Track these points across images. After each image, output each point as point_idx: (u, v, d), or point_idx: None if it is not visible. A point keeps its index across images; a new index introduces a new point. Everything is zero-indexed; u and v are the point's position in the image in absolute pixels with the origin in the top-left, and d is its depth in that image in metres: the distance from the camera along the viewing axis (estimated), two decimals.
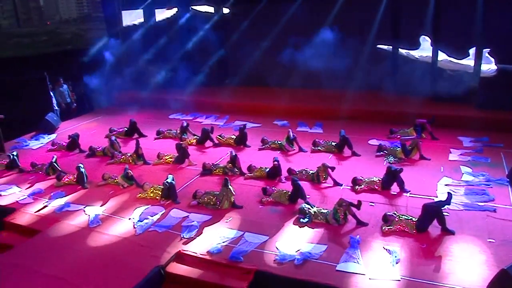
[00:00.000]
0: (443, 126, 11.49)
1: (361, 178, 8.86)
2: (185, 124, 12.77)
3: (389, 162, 9.78)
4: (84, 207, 8.68)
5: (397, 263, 6.35)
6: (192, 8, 17.45)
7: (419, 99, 12.72)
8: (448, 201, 7.08)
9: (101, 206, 8.74)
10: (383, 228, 7.18)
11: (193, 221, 7.88)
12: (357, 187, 8.71)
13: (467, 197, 8.09)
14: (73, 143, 12.04)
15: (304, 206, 7.87)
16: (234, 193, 8.32)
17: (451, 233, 6.95)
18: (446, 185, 8.61)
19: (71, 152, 11.99)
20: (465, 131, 11.39)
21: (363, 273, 6.19)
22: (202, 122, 14.46)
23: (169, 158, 10.83)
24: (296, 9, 15.09)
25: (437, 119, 11.38)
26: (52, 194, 9.38)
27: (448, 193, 7.24)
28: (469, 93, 12.41)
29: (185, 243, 7.26)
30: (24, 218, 8.53)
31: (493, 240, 6.72)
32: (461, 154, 10.11)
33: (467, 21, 12.32)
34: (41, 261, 6.96)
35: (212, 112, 15.29)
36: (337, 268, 6.34)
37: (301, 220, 7.67)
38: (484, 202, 7.85)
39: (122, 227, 7.91)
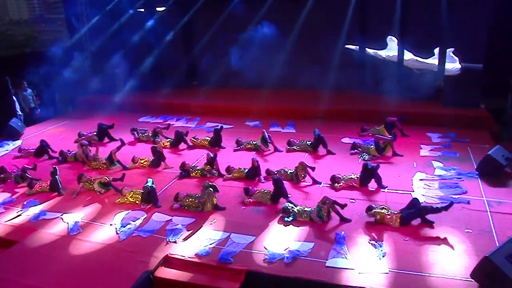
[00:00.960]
0: (411, 123, 11.92)
1: (339, 176, 9.06)
2: (162, 126, 12.68)
3: (364, 160, 10.05)
4: (61, 215, 8.38)
5: (383, 256, 6.56)
6: (157, 10, 17.21)
7: (388, 97, 13.13)
8: (447, 208, 7.27)
9: (79, 213, 8.47)
10: (370, 212, 7.45)
11: (177, 225, 7.80)
12: (336, 184, 8.90)
13: (442, 190, 8.46)
14: (42, 149, 11.60)
15: (287, 205, 7.97)
16: (215, 196, 8.31)
17: (431, 223, 7.25)
18: (420, 179, 8.96)
19: (39, 158, 11.53)
20: (433, 127, 11.89)
21: (352, 268, 6.35)
22: (173, 124, 14.28)
23: (144, 161, 10.65)
24: (265, 12, 15.17)
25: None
26: (25, 202, 9.01)
27: (451, 202, 7.41)
28: (435, 91, 12.95)
29: (172, 246, 7.18)
30: None
31: (470, 231, 7.07)
32: (431, 150, 10.55)
33: (432, 21, 12.87)
34: (22, 273, 6.67)
35: (182, 114, 15.16)
36: (326, 264, 6.46)
37: (285, 219, 7.76)
38: (458, 194, 8.24)
39: (104, 233, 7.72)
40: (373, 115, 12.66)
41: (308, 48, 15.01)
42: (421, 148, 10.69)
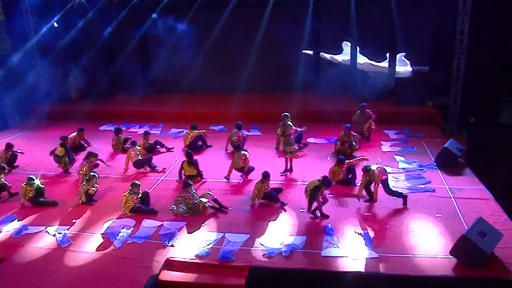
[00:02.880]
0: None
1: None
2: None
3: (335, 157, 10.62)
4: (45, 228, 8.23)
5: (370, 243, 7.23)
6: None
7: (344, 98, 14.04)
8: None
9: (63, 225, 8.33)
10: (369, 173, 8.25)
11: (171, 229, 7.98)
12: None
13: (408, 181, 9.37)
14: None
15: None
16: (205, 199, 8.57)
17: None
18: (388, 173, 9.77)
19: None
20: (388, 125, 12.92)
21: (345, 256, 6.95)
22: (137, 132, 14.21)
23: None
24: (232, 19, 15.52)
25: None
26: (1, 219, 8.68)
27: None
28: (387, 92, 14.05)
29: (170, 250, 7.37)
30: None
31: (441, 215, 7.98)
32: (391, 146, 11.53)
33: (384, 28, 14.00)
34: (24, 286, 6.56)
35: (142, 121, 15.11)
36: (322, 255, 7.01)
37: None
38: (423, 184, 9.19)
39: (96, 243, 7.71)
40: (328, 115, 13.42)
41: (269, 55, 15.56)
42: (382, 145, 11.63)
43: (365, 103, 11.86)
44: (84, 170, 9.71)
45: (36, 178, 9.33)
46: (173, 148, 12.22)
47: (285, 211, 8.45)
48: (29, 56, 16.14)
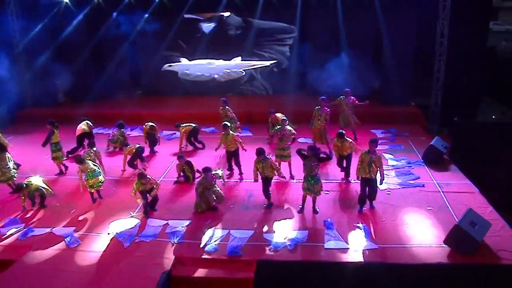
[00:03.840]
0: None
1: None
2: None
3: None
4: (51, 230, 8.37)
5: (369, 235, 7.70)
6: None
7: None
8: None
9: (68, 227, 8.48)
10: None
11: (176, 227, 8.26)
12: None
13: (399, 177, 9.92)
14: None
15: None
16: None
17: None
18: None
19: None
20: (374, 124, 13.46)
21: (347, 248, 7.40)
22: (130, 134, 14.32)
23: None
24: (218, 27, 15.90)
25: None
26: (4, 222, 8.76)
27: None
28: (371, 92, 14.61)
29: (179, 247, 7.65)
30: None
31: (432, 208, 8.54)
32: (379, 144, 11.99)
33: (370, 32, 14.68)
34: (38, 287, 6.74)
35: (134, 123, 15.22)
36: (325, 247, 7.44)
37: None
38: (413, 180, 9.75)
39: (104, 242, 7.92)
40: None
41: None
42: None
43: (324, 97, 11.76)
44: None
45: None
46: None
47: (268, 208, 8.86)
48: (14, 59, 16.02)
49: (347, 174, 9.93)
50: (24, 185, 8.98)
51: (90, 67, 16.64)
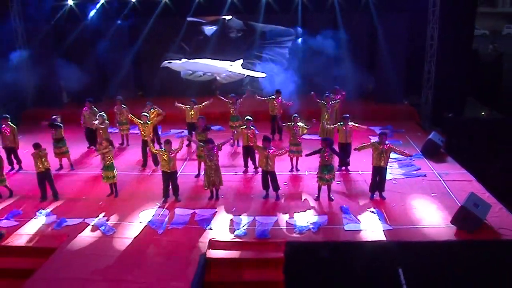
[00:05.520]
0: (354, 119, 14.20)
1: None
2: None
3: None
4: (83, 220, 8.84)
5: (383, 217, 8.50)
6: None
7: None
8: None
9: (100, 216, 8.96)
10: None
11: (205, 215, 8.88)
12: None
13: (402, 169, 10.80)
14: None
15: None
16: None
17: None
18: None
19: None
20: (372, 122, 14.28)
21: (365, 229, 8.18)
22: (138, 133, 14.75)
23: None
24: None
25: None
26: (36, 212, 9.19)
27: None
28: (368, 92, 15.54)
29: (210, 233, 8.27)
30: (21, 240, 8.32)
31: (435, 194, 9.43)
32: None
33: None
34: (85, 269, 7.28)
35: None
36: (345, 229, 8.21)
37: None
38: (415, 170, 10.64)
39: (137, 230, 8.45)
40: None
41: None
42: (371, 139, 12.96)
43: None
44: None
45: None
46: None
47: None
48: (19, 60, 16.27)
49: (344, 163, 10.80)
50: None
51: (94, 68, 16.99)
